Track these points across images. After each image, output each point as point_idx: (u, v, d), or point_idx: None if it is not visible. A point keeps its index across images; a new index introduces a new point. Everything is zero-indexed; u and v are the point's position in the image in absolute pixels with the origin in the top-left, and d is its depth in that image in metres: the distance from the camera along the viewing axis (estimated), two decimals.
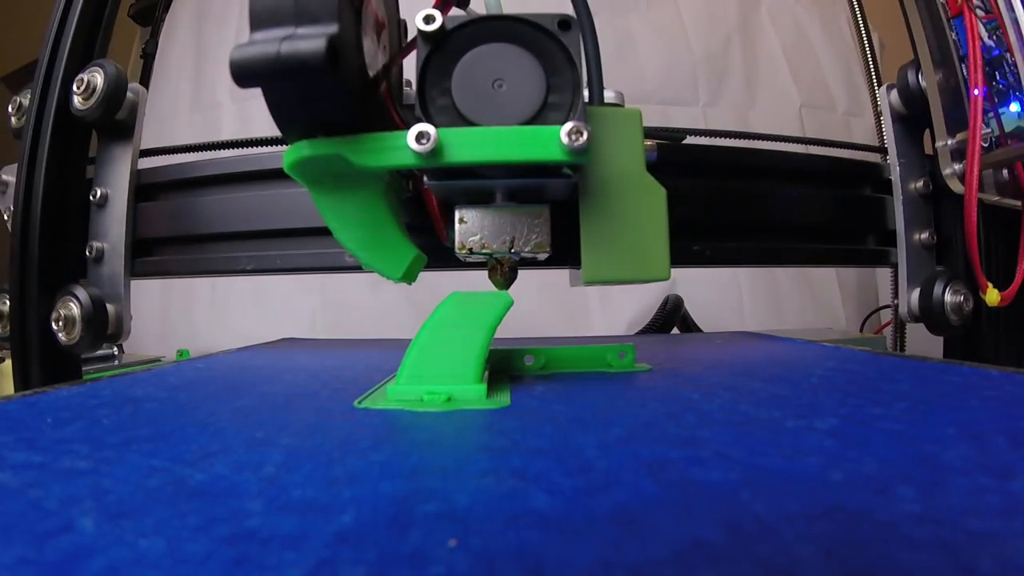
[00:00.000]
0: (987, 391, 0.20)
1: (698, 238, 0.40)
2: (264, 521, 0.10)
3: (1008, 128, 0.38)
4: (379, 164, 0.21)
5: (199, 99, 0.94)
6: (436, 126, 0.21)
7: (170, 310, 0.92)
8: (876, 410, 0.18)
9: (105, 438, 0.16)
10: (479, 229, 0.25)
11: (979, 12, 0.38)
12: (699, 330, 0.72)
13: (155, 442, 0.16)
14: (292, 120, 0.20)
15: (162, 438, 0.16)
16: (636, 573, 0.08)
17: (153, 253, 0.43)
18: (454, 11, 0.26)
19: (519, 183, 0.24)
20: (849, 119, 0.96)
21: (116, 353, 0.69)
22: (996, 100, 0.38)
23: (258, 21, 0.18)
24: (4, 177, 0.44)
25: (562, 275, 0.33)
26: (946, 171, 0.40)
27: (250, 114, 0.86)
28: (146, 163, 0.44)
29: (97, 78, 0.40)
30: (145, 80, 0.78)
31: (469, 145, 0.21)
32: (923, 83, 0.41)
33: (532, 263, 0.28)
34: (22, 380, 0.41)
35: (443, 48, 0.22)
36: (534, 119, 0.22)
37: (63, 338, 0.40)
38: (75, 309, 0.39)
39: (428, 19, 0.21)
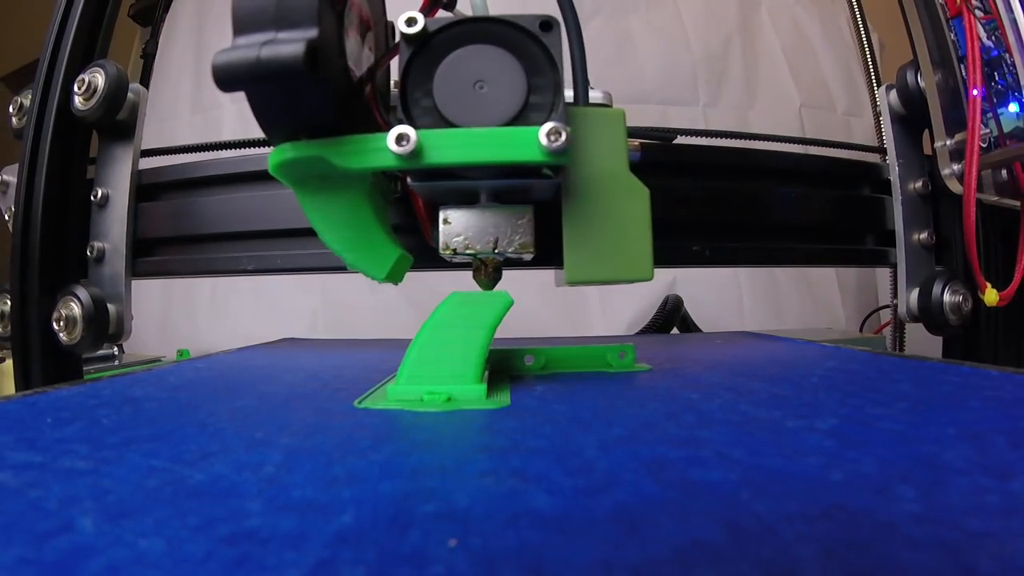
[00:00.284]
0: (987, 391, 0.20)
1: (697, 238, 0.40)
2: (264, 521, 0.10)
3: (1007, 128, 0.38)
4: (360, 166, 0.21)
5: (199, 99, 0.93)
6: (418, 128, 0.21)
7: (171, 310, 0.92)
8: (876, 410, 0.18)
9: (105, 438, 0.16)
10: (463, 230, 0.25)
11: (978, 13, 0.38)
12: (699, 330, 0.72)
13: (155, 442, 0.16)
14: (275, 123, 0.20)
15: (162, 438, 0.16)
16: (636, 573, 0.08)
17: (154, 253, 0.43)
18: (441, 13, 0.26)
19: (502, 184, 0.24)
20: (849, 119, 0.96)
21: (116, 353, 0.69)
22: (995, 100, 0.38)
23: (240, 26, 0.18)
24: (5, 177, 0.44)
25: None
26: (945, 171, 0.40)
27: (250, 115, 0.86)
28: (147, 163, 0.44)
29: (98, 78, 0.40)
30: (145, 80, 0.78)
31: (449, 147, 0.21)
32: (922, 83, 0.41)
33: (518, 264, 0.28)
34: (23, 380, 0.41)
35: (425, 50, 0.22)
36: (515, 120, 0.22)
37: (64, 338, 0.40)
38: (76, 309, 0.39)
39: (410, 21, 0.22)
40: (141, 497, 0.12)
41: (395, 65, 0.24)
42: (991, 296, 0.39)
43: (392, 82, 0.29)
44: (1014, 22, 0.36)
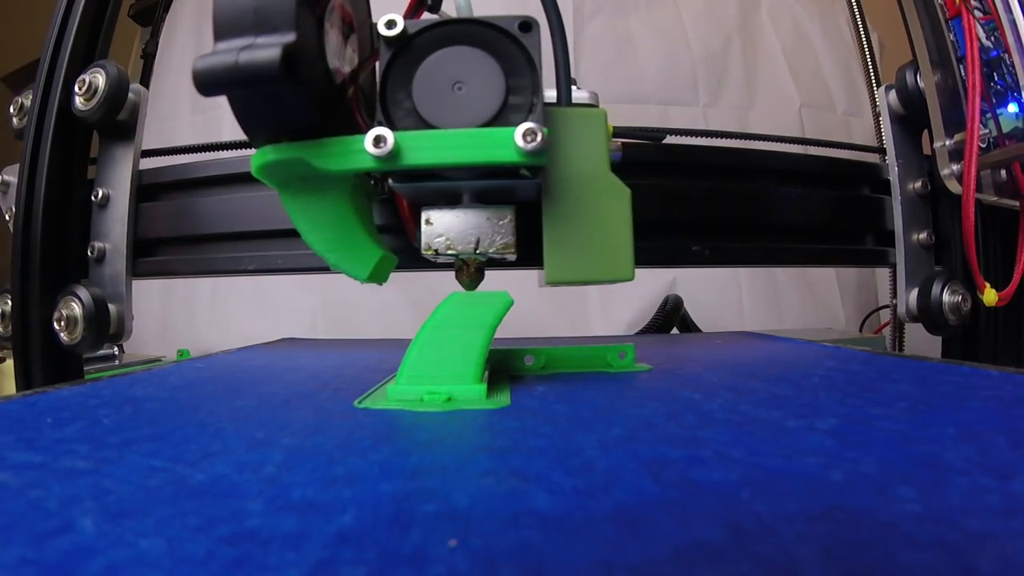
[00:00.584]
0: (987, 391, 0.20)
1: (697, 238, 0.40)
2: (264, 521, 0.10)
3: (1006, 129, 0.38)
4: (339, 167, 0.21)
5: (200, 100, 0.93)
6: (398, 129, 0.21)
7: (171, 310, 0.92)
8: (876, 410, 0.18)
9: (105, 438, 0.16)
10: (445, 230, 0.25)
11: (977, 13, 0.38)
12: (698, 330, 0.72)
13: (155, 442, 0.16)
14: (256, 126, 0.21)
15: (162, 438, 0.16)
16: (636, 573, 0.08)
17: (155, 253, 0.43)
18: (426, 15, 0.26)
19: (483, 184, 0.24)
20: (849, 119, 0.96)
21: (116, 353, 0.69)
22: (994, 101, 0.38)
23: (221, 31, 0.19)
24: (6, 177, 0.44)
25: None
26: (944, 171, 0.40)
27: None
28: (148, 164, 0.44)
29: (99, 79, 0.40)
30: (145, 80, 0.78)
31: (426, 148, 0.21)
32: (921, 84, 0.41)
33: (501, 264, 0.28)
34: (24, 380, 0.41)
35: (405, 52, 0.22)
36: (493, 121, 0.22)
37: (65, 338, 0.40)
38: (77, 309, 0.39)
39: (389, 24, 0.22)
40: (142, 497, 0.12)
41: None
42: (990, 296, 0.39)
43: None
44: (1013, 23, 0.36)
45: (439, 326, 0.23)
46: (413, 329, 0.23)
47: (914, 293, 0.42)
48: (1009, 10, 0.36)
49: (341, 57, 0.22)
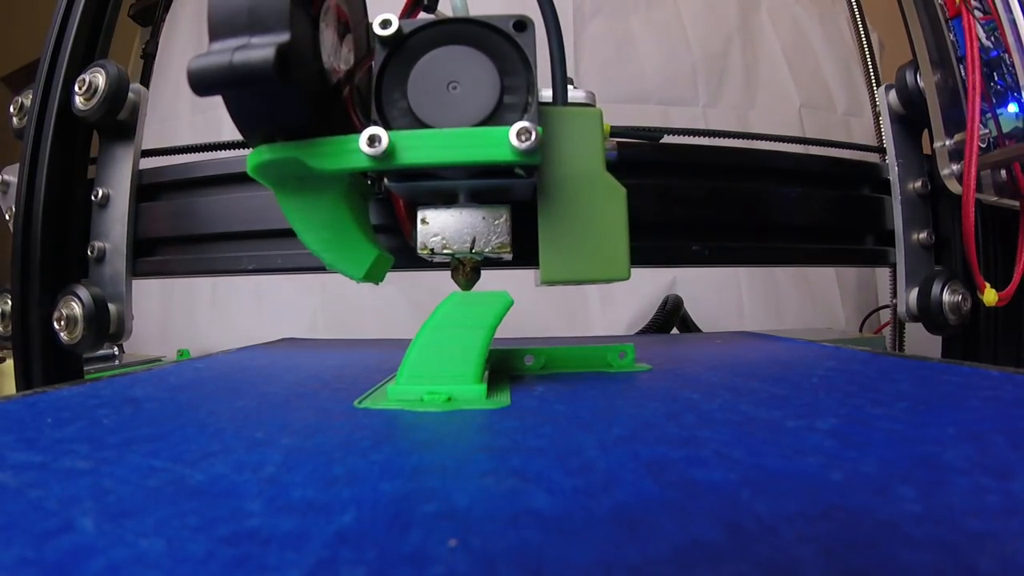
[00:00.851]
0: (987, 391, 0.20)
1: (697, 238, 0.40)
2: (264, 521, 0.10)
3: (1006, 129, 0.38)
4: (334, 167, 0.21)
5: (199, 100, 0.93)
6: (393, 129, 0.21)
7: (171, 310, 0.92)
8: (876, 410, 0.18)
9: (105, 438, 0.16)
10: (441, 230, 0.25)
11: (977, 13, 0.38)
12: (698, 330, 0.72)
13: (155, 442, 0.16)
14: (251, 126, 0.21)
15: (162, 438, 0.16)
16: (636, 573, 0.08)
17: (155, 253, 0.43)
18: (422, 15, 0.26)
19: (479, 184, 0.24)
20: (849, 119, 0.96)
21: (116, 353, 0.69)
22: (994, 101, 0.38)
23: (216, 32, 0.19)
24: (6, 177, 0.44)
25: None
26: (944, 171, 0.40)
27: None
28: (148, 163, 0.44)
29: (99, 78, 0.40)
30: (145, 80, 0.78)
31: (420, 147, 0.21)
32: (921, 84, 0.41)
33: (498, 264, 0.28)
34: (24, 380, 0.41)
35: (400, 52, 0.22)
36: (488, 120, 0.22)
37: (65, 338, 0.40)
38: (77, 309, 0.39)
39: (384, 24, 0.22)
40: (141, 497, 0.12)
41: None
42: (990, 296, 0.39)
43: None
44: (1013, 23, 0.36)
45: (439, 326, 0.23)
46: (413, 329, 0.23)
47: (914, 293, 0.42)
48: (1009, 10, 0.36)
49: (337, 57, 0.22)
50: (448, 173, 0.23)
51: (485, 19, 0.22)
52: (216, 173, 0.42)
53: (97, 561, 0.09)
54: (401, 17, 0.23)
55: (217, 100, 0.20)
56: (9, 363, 0.43)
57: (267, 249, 0.40)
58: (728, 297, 0.87)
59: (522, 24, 0.22)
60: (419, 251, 0.25)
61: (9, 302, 0.41)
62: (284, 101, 0.19)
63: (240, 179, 0.41)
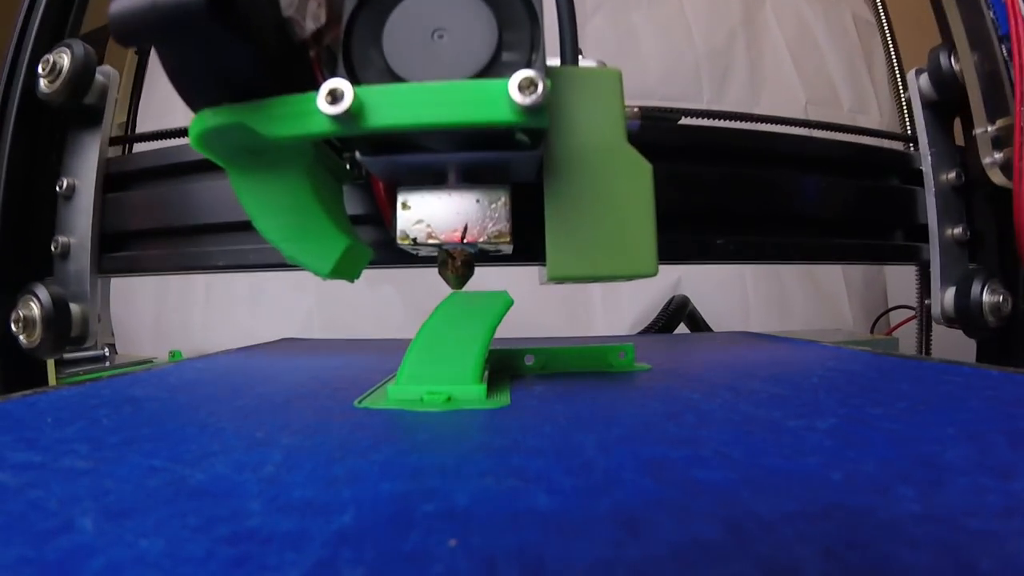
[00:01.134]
0: (987, 391, 0.20)
1: (720, 231, 0.37)
2: (264, 521, 0.10)
3: None
4: (288, 133, 0.17)
5: None
6: (361, 83, 0.17)
7: (164, 310, 0.92)
8: (876, 410, 0.18)
9: (105, 438, 0.16)
10: (426, 216, 0.21)
11: None
12: (708, 328, 0.71)
13: (155, 442, 0.16)
14: (190, 85, 0.17)
15: (162, 438, 0.16)
16: (636, 573, 0.08)
17: (122, 248, 0.40)
18: None
19: (471, 158, 0.20)
20: (855, 116, 0.96)
21: (107, 354, 0.69)
22: None
23: None
24: None
25: None
26: (986, 160, 0.37)
27: None
28: (141, 148, 0.42)
29: (63, 59, 0.37)
30: (140, 75, 0.77)
31: (395, 105, 0.17)
32: (956, 66, 0.38)
33: (494, 258, 0.24)
34: None
35: None
36: (481, 76, 0.18)
37: (24, 340, 0.37)
38: (35, 310, 0.37)
39: None
40: (141, 497, 0.12)
41: None
42: None
43: None
44: None
45: (439, 326, 0.23)
46: (410, 329, 0.23)
47: (950, 293, 0.40)
48: None
49: (302, 10, 0.19)
50: (433, 143, 0.19)
51: None
52: (186, 160, 0.38)
53: (97, 561, 0.09)
54: None
55: None
56: None
57: (240, 243, 0.37)
58: (734, 297, 0.87)
59: None
60: (399, 241, 0.21)
61: None
62: (226, 51, 0.16)
63: (212, 165, 0.38)
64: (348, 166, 0.25)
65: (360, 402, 0.21)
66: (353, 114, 0.17)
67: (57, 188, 0.39)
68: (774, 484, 0.12)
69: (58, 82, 0.37)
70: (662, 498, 0.11)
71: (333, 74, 0.19)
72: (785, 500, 0.11)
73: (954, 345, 0.44)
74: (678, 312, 0.70)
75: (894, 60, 0.62)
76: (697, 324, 0.71)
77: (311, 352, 0.42)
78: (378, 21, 0.19)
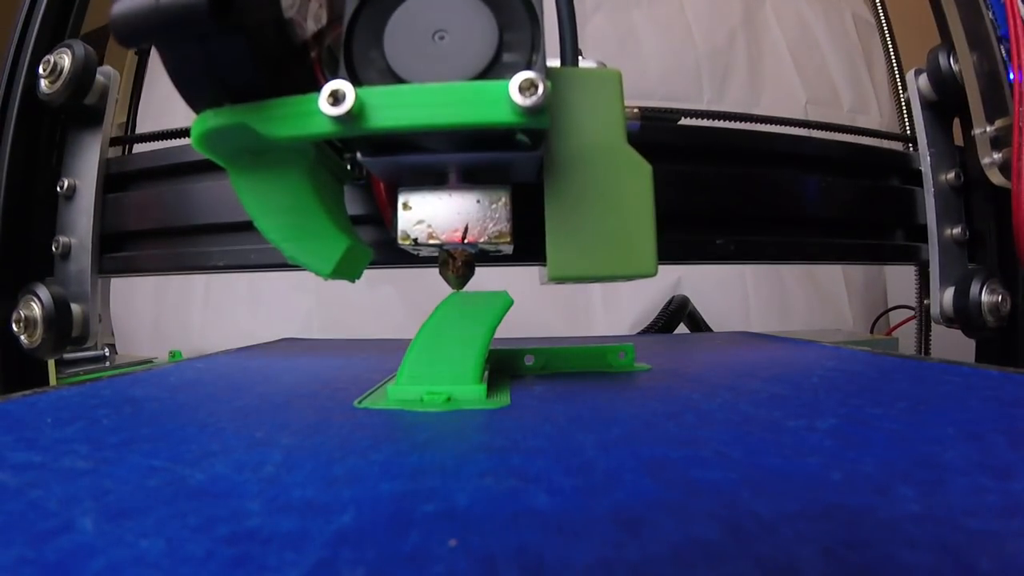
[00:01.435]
0: (987, 391, 0.20)
1: (719, 231, 0.37)
2: (264, 521, 0.10)
3: None
4: (290, 133, 0.18)
5: None
6: (362, 84, 0.18)
7: (164, 310, 0.92)
8: (876, 410, 0.18)
9: (105, 438, 0.16)
10: (426, 216, 0.21)
11: None
12: (709, 329, 0.71)
13: (155, 442, 0.16)
14: (192, 86, 0.17)
15: (162, 438, 0.16)
16: (636, 573, 0.08)
17: (122, 248, 0.40)
18: None
19: (472, 159, 0.20)
20: (855, 116, 0.96)
21: (107, 355, 0.69)
22: None
23: None
24: None
25: None
26: (985, 160, 0.37)
27: None
28: (141, 149, 0.42)
29: (64, 59, 0.37)
30: (140, 76, 0.77)
31: (396, 106, 0.17)
32: (956, 67, 0.39)
33: (495, 258, 0.25)
34: None
35: None
36: (482, 77, 0.18)
37: (25, 341, 0.37)
38: (36, 310, 0.37)
39: None
40: (141, 497, 0.12)
41: None
42: None
43: None
44: None
45: (439, 326, 0.23)
46: (410, 329, 0.23)
47: (949, 292, 0.40)
48: None
49: (303, 11, 0.19)
50: (434, 144, 0.20)
51: None
52: (186, 160, 0.38)
53: (97, 561, 0.09)
54: None
55: None
56: None
57: (240, 243, 0.37)
58: (734, 297, 0.87)
59: None
60: (400, 241, 0.22)
61: None
62: (228, 52, 0.16)
63: (212, 166, 0.38)
64: (349, 166, 0.25)
65: (360, 402, 0.21)
66: (354, 115, 0.17)
67: (58, 188, 0.40)
68: (774, 484, 0.12)
69: (59, 83, 0.37)
70: (662, 498, 0.11)
71: (334, 75, 0.19)
72: (785, 500, 0.11)
73: (953, 345, 0.44)
74: (678, 312, 0.70)
75: (893, 60, 0.62)
76: (697, 324, 0.71)
77: (311, 352, 0.42)
78: (379, 22, 0.19)
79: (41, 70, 0.38)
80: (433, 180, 0.22)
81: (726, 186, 0.37)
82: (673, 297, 0.72)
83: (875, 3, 0.64)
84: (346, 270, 0.22)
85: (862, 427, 0.16)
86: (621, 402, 0.21)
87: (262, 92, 0.17)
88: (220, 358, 0.38)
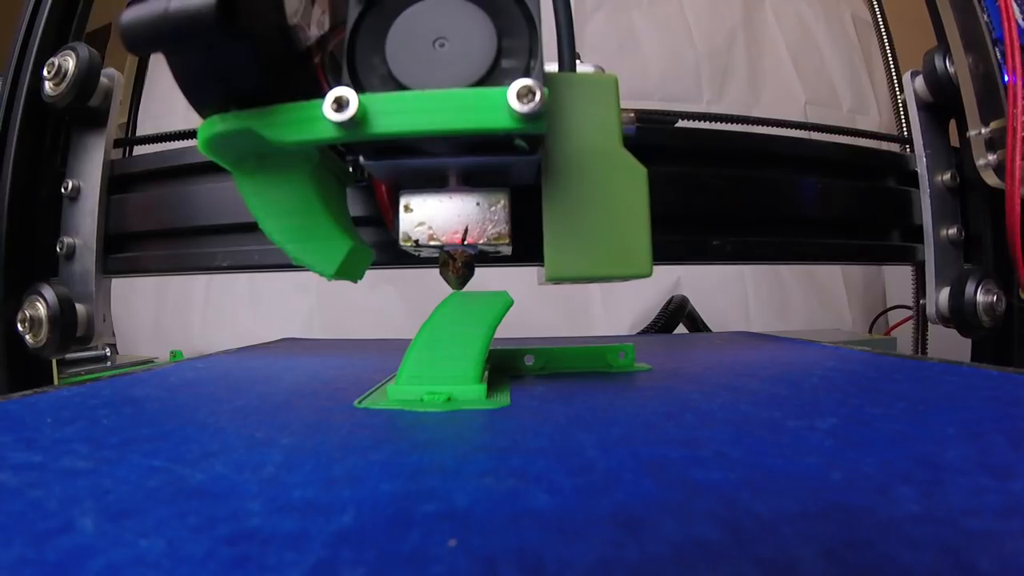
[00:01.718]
0: (987, 391, 0.20)
1: (716, 231, 0.37)
2: (264, 521, 0.10)
3: None
4: (294, 138, 0.18)
5: None
6: (365, 91, 0.18)
7: (165, 310, 0.92)
8: (876, 410, 0.18)
9: (105, 438, 0.16)
10: (427, 218, 0.22)
11: None
12: (708, 329, 0.71)
13: (155, 442, 0.16)
14: (199, 91, 0.18)
15: (162, 438, 0.16)
16: (636, 573, 0.08)
17: (125, 249, 0.41)
18: None
19: (471, 162, 0.21)
20: (855, 116, 0.96)
21: (108, 354, 0.69)
22: None
23: None
24: None
25: None
26: (980, 162, 0.37)
27: None
28: (140, 151, 0.43)
29: (69, 62, 0.38)
30: (140, 78, 0.77)
31: (398, 112, 0.18)
32: (951, 69, 0.39)
33: (494, 259, 0.25)
34: None
35: (379, 5, 0.19)
36: (482, 83, 0.19)
37: (30, 340, 0.38)
38: (41, 309, 0.37)
39: None
40: (141, 497, 0.12)
41: None
42: None
43: None
44: None
45: (439, 326, 0.23)
46: (410, 329, 0.23)
47: (945, 292, 0.40)
48: None
49: (306, 17, 0.19)
50: (434, 148, 0.20)
51: None
52: (190, 162, 0.39)
53: (97, 561, 0.09)
54: None
55: None
56: None
57: (243, 244, 0.37)
58: (734, 297, 0.87)
59: None
60: (401, 243, 0.22)
61: None
62: (234, 59, 0.16)
63: (216, 168, 0.38)
64: (350, 168, 0.25)
65: (360, 402, 0.21)
66: (358, 121, 0.17)
67: (62, 190, 0.40)
68: (774, 484, 0.12)
69: (63, 85, 0.38)
70: (662, 498, 0.11)
71: (337, 79, 0.20)
72: (785, 500, 0.11)
73: (951, 345, 0.44)
74: (677, 312, 0.70)
75: (891, 62, 0.62)
76: (696, 324, 0.71)
77: (311, 352, 0.42)
78: (381, 29, 0.19)
79: (45, 72, 0.38)
80: (434, 183, 0.22)
81: (722, 187, 0.38)
82: (672, 297, 0.72)
83: (872, 5, 0.64)
84: (349, 271, 0.22)
85: (862, 427, 0.16)
86: (621, 402, 0.21)
87: (267, 97, 0.18)
88: (220, 358, 0.38)
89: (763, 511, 0.10)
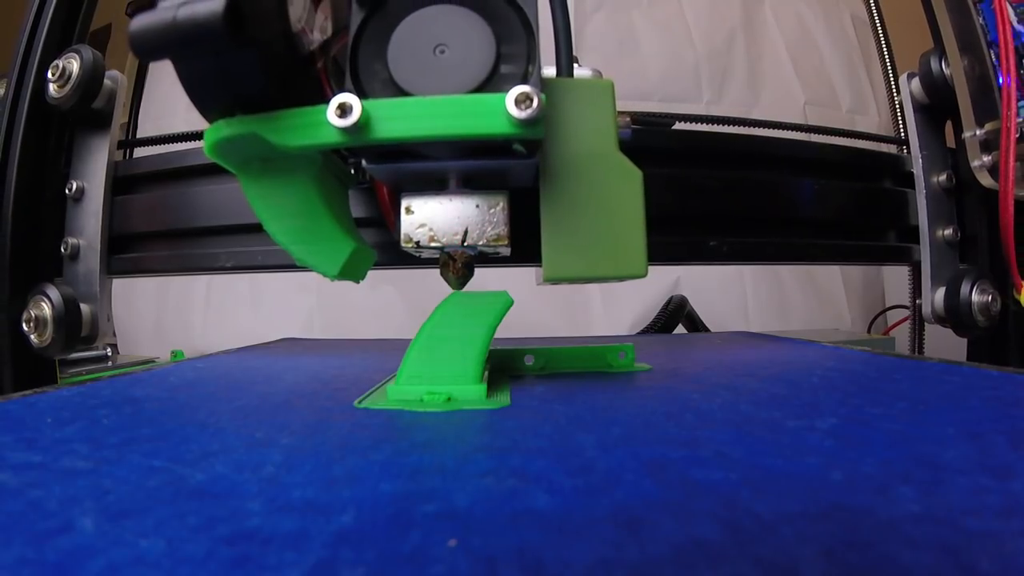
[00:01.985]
0: (987, 391, 0.20)
1: (712, 232, 0.38)
2: (264, 521, 0.10)
3: None
4: (299, 143, 0.18)
5: None
6: (368, 97, 0.19)
7: (166, 310, 0.92)
8: (876, 410, 0.18)
9: (105, 438, 0.16)
10: (428, 220, 0.22)
11: None
12: (707, 329, 0.71)
13: (155, 442, 0.16)
14: (205, 97, 0.18)
15: (162, 438, 0.16)
16: (636, 573, 0.08)
17: (129, 249, 0.41)
18: None
19: (471, 166, 0.21)
20: (854, 116, 0.97)
21: (109, 354, 0.69)
22: None
23: None
24: None
25: None
26: (975, 163, 0.38)
27: None
28: (141, 153, 0.43)
29: (73, 64, 0.38)
30: (141, 78, 0.77)
31: (400, 118, 0.18)
32: (947, 71, 0.39)
33: (493, 260, 0.26)
34: None
35: (381, 12, 0.20)
36: (481, 89, 0.19)
37: (35, 340, 0.38)
38: (47, 309, 0.38)
39: None
40: (141, 497, 0.12)
41: None
42: None
43: None
44: None
45: (439, 326, 0.23)
46: (411, 329, 0.23)
47: (940, 293, 0.40)
48: None
49: (310, 23, 0.20)
50: (435, 152, 0.20)
51: None
52: (193, 164, 0.39)
53: (97, 561, 0.09)
54: None
55: None
56: None
57: (247, 245, 0.38)
58: (733, 297, 0.87)
59: None
60: (403, 244, 0.23)
61: None
62: (240, 65, 0.17)
63: (219, 170, 0.39)
64: (352, 171, 0.26)
65: (360, 402, 0.21)
66: (361, 126, 0.18)
67: (66, 191, 0.40)
68: (774, 484, 0.12)
69: (67, 87, 0.38)
70: (662, 498, 0.11)
71: (340, 83, 0.21)
72: (785, 500, 0.11)
73: (948, 345, 0.45)
74: (677, 312, 0.70)
75: (888, 64, 0.63)
76: (695, 325, 0.71)
77: (311, 352, 0.42)
78: (383, 37, 0.20)
79: (50, 75, 0.39)
80: (434, 185, 0.23)
81: (720, 188, 0.38)
82: (672, 297, 0.72)
83: (870, 7, 0.65)
84: (351, 271, 0.22)
85: (862, 427, 0.16)
86: (621, 402, 0.21)
87: (272, 102, 0.18)
88: (220, 358, 0.38)
89: (763, 511, 0.10)
